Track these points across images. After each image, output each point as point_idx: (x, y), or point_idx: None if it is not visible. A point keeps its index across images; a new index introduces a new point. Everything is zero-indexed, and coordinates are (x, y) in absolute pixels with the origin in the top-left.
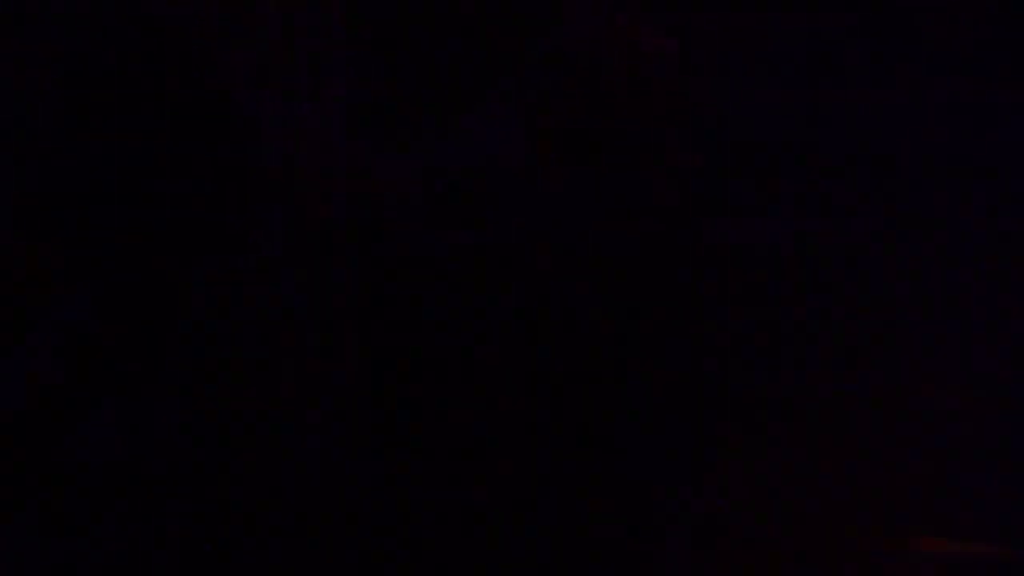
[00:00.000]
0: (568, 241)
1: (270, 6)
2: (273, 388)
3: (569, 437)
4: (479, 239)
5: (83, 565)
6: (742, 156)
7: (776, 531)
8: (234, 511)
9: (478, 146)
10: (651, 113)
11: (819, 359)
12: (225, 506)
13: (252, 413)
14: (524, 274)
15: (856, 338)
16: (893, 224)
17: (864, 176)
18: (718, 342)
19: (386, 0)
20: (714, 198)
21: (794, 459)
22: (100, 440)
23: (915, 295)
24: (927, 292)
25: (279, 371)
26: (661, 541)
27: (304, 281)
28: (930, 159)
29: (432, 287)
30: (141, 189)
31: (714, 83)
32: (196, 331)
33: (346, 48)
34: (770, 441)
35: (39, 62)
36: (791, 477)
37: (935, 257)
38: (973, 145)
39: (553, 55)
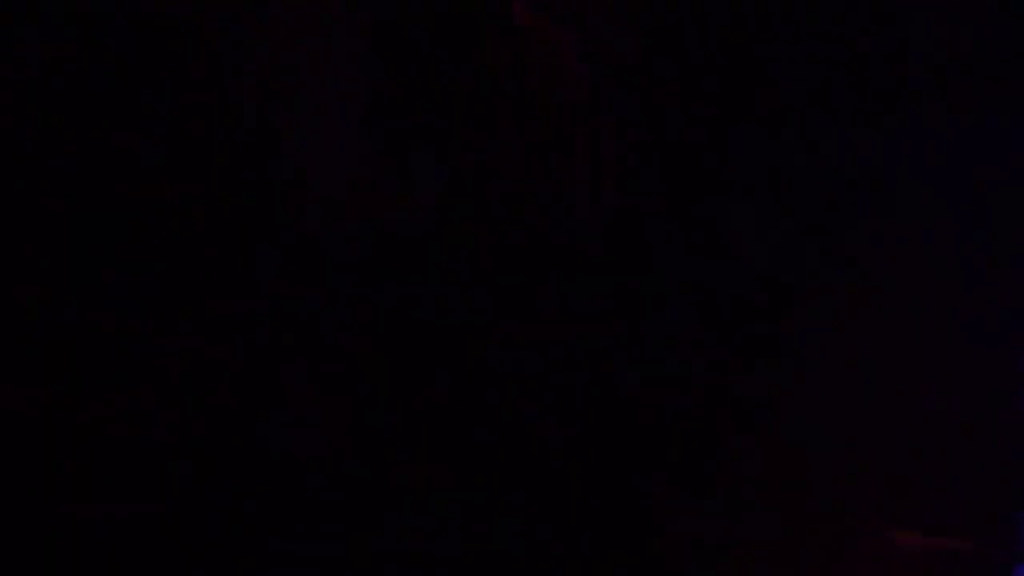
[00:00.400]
0: (554, 250)
1: (283, 18)
2: (283, 389)
3: (565, 442)
4: (472, 249)
5: (85, 557)
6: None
7: (759, 526)
8: (240, 507)
9: (463, 162)
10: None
11: (798, 363)
12: (231, 501)
13: (262, 413)
14: (515, 283)
15: (836, 343)
16: (880, 234)
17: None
18: (701, 346)
19: (395, 14)
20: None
21: (776, 458)
22: (108, 433)
23: (891, 303)
24: (904, 301)
25: (289, 372)
26: (652, 537)
27: (314, 285)
28: (924, 187)
29: (432, 292)
30: (156, 195)
31: None
32: (208, 333)
33: (357, 61)
34: (753, 442)
35: (56, 65)
36: (773, 475)
37: (917, 268)
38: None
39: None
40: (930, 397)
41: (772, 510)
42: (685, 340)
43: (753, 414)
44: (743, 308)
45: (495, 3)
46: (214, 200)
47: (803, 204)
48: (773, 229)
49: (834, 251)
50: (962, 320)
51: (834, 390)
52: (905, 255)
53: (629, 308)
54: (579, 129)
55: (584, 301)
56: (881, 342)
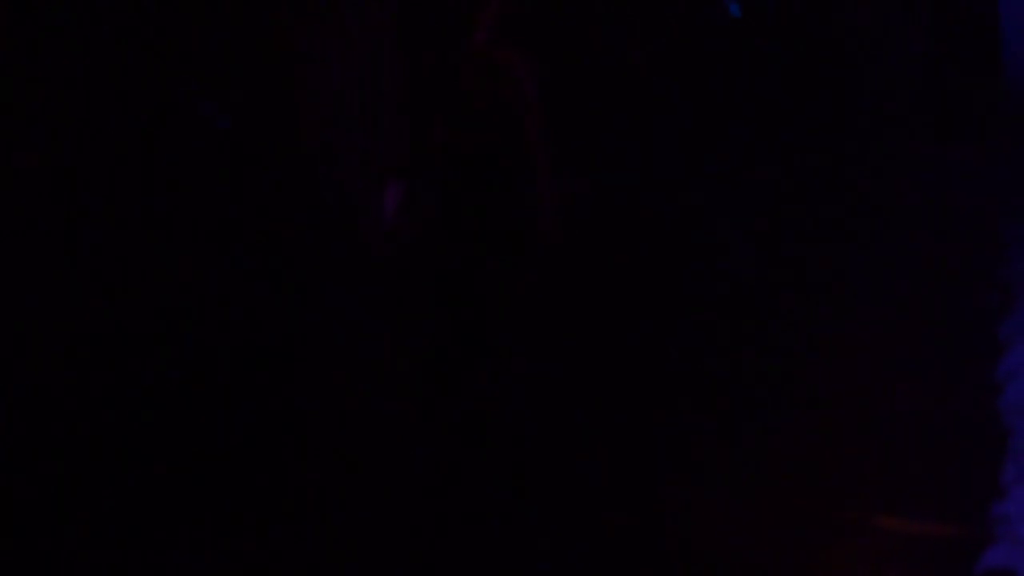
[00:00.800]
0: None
1: (337, 68)
2: (356, 370)
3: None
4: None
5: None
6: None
7: (751, 510)
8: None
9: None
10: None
11: (794, 361)
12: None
13: (341, 391)
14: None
15: (831, 346)
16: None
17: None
18: (696, 342)
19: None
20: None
21: (770, 448)
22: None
23: (877, 309)
24: (889, 308)
25: (361, 357)
26: (647, 519)
27: (372, 285)
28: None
29: (453, 289)
30: (249, 215)
31: None
32: (292, 330)
33: (400, 100)
34: (749, 433)
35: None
36: (767, 463)
37: (899, 288)
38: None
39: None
40: (914, 396)
41: (764, 496)
42: (682, 338)
43: (748, 407)
44: (737, 308)
45: (462, 33)
46: (292, 215)
47: (789, 214)
48: (753, 234)
49: (829, 259)
50: (944, 328)
51: (826, 387)
52: (892, 266)
53: (621, 300)
54: (531, 133)
55: (564, 290)
56: (872, 345)
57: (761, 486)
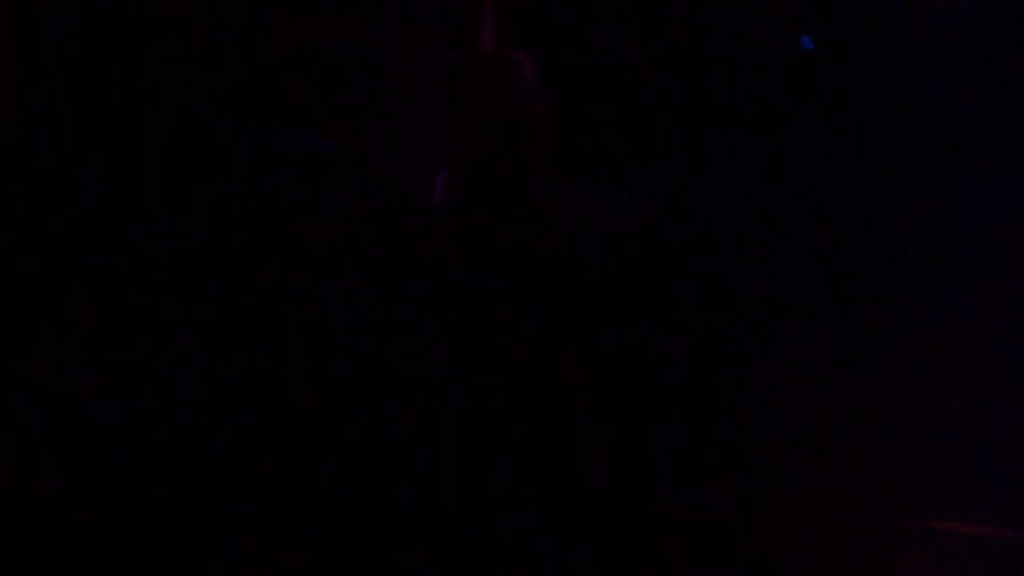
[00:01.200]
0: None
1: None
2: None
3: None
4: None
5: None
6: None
7: (811, 514)
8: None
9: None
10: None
11: (858, 367)
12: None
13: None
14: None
15: (895, 350)
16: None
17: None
18: (745, 347)
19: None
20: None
21: (830, 452)
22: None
23: (941, 321)
24: (952, 322)
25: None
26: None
27: (424, 278)
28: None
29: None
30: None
31: None
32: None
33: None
34: (810, 435)
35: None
36: (828, 467)
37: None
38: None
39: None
40: (969, 403)
41: (824, 497)
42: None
43: (812, 410)
44: (811, 312)
45: (468, 34)
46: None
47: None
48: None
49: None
50: (996, 339)
51: (888, 390)
52: (948, 280)
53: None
54: (537, 132)
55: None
56: (934, 350)
57: (818, 487)
